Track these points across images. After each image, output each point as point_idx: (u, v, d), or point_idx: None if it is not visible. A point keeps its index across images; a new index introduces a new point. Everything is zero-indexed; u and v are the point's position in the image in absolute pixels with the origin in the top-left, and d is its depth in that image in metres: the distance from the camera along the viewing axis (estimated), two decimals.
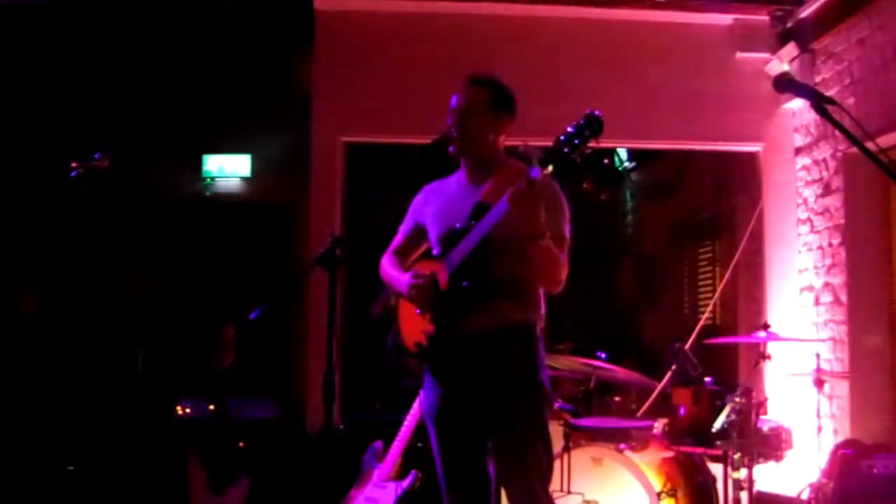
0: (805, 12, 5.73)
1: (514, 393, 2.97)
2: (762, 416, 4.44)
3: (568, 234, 3.03)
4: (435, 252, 3.11)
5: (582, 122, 2.69)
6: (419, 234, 3.25)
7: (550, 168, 2.72)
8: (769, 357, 4.46)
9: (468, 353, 2.98)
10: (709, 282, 7.12)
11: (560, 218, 3.00)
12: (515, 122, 3.16)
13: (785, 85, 2.61)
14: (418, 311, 3.05)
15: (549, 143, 2.76)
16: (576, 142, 2.68)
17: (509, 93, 3.13)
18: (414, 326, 3.06)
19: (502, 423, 2.97)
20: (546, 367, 3.09)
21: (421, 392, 3.19)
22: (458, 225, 3.00)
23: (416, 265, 3.16)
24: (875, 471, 4.11)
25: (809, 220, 5.83)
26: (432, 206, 3.20)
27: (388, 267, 3.25)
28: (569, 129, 2.69)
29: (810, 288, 5.79)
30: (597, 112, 2.68)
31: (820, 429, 4.63)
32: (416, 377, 3.24)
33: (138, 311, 5.61)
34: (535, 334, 3.05)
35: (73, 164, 3.69)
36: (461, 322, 2.96)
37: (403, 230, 3.32)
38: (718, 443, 4.25)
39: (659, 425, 4.73)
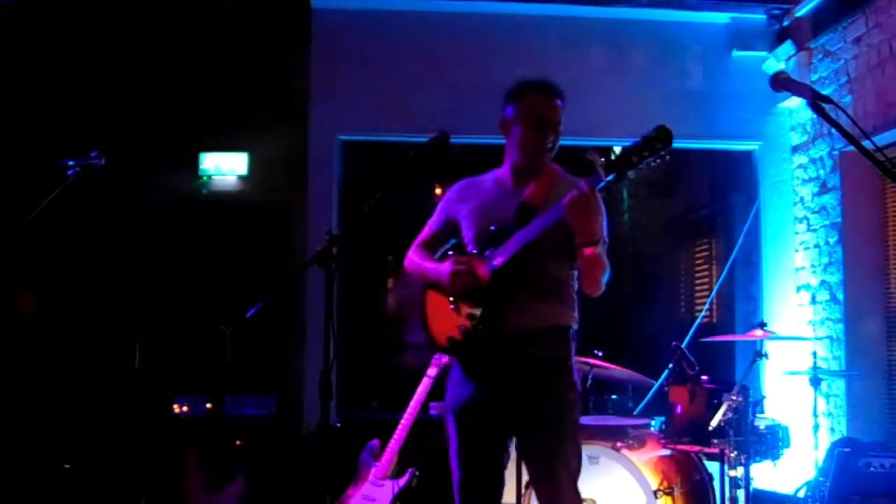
0: (801, 11, 5.74)
1: (549, 394, 2.96)
2: (759, 415, 4.44)
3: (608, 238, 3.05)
4: (470, 250, 3.08)
5: (652, 133, 2.74)
6: (450, 229, 3.22)
7: (613, 176, 2.76)
8: (766, 355, 4.45)
9: (505, 352, 2.96)
10: (706, 280, 7.11)
11: (604, 222, 3.01)
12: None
13: (781, 83, 2.60)
14: (452, 305, 3.01)
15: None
16: (645, 153, 2.74)
17: None
18: (446, 321, 3.03)
19: (537, 423, 2.96)
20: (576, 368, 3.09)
21: (448, 385, 3.15)
22: (495, 226, 2.99)
23: (449, 259, 3.10)
24: (872, 469, 4.11)
25: (806, 218, 5.84)
26: (468, 203, 3.16)
27: (419, 259, 3.21)
28: (637, 141, 2.75)
29: (807, 286, 5.80)
30: (666, 126, 2.73)
31: (817, 427, 4.63)
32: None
33: (135, 310, 5.60)
34: (570, 335, 3.06)
35: (70, 163, 3.68)
36: (501, 320, 2.94)
37: (433, 224, 3.28)
38: (715, 441, 4.24)
39: (656, 423, 4.73)
